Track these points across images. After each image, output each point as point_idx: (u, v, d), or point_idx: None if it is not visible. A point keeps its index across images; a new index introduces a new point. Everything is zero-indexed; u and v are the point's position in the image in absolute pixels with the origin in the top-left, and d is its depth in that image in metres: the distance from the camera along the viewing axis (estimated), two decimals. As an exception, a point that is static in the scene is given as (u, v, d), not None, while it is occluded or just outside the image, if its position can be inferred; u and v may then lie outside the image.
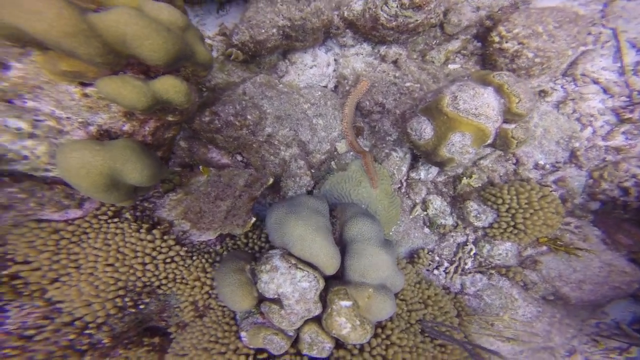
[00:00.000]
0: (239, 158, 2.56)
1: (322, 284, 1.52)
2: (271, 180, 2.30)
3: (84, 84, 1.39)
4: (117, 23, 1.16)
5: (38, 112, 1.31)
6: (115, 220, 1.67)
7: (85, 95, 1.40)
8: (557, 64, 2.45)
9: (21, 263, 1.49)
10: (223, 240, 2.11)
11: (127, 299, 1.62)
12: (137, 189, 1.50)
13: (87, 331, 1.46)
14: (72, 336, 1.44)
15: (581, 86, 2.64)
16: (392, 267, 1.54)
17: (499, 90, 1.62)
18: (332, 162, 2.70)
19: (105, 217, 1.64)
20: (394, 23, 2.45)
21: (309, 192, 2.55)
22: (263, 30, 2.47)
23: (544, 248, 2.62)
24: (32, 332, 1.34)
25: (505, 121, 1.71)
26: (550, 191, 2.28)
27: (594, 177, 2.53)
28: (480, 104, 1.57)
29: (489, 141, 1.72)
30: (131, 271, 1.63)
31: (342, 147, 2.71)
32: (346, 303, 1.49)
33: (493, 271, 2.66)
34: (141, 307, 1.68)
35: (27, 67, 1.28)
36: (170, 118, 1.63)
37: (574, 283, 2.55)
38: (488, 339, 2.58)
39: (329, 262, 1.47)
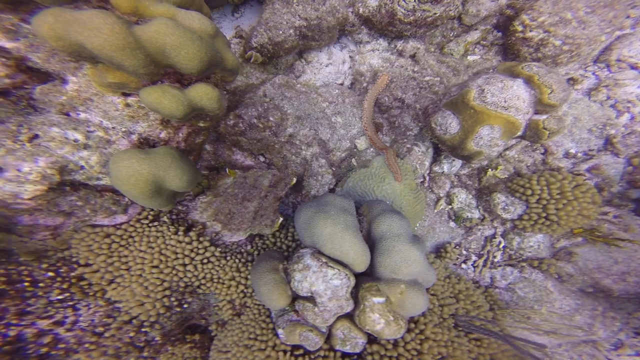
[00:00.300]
0: (262, 159, 2.64)
1: (353, 281, 1.57)
2: (294, 180, 2.37)
3: (125, 95, 1.50)
4: (157, 34, 1.24)
5: (90, 124, 1.43)
6: (155, 224, 1.79)
7: (128, 105, 1.50)
8: (588, 51, 2.37)
9: (84, 265, 1.67)
10: (253, 240, 2.20)
11: (172, 299, 1.76)
12: (176, 194, 1.59)
13: (143, 329, 1.59)
14: (131, 333, 1.59)
15: (616, 72, 2.55)
16: (424, 262, 1.56)
17: (529, 81, 1.60)
18: (353, 160, 2.74)
19: (146, 222, 1.77)
20: (411, 17, 2.44)
21: (331, 190, 2.60)
22: (281, 32, 2.52)
23: (580, 239, 2.54)
24: (100, 329, 1.50)
25: (537, 112, 1.68)
26: (584, 180, 2.21)
27: (634, 164, 2.44)
28: (510, 96, 1.56)
29: (520, 133, 1.70)
30: (174, 272, 1.76)
31: (361, 144, 2.73)
32: (379, 299, 1.53)
33: (524, 264, 2.61)
34: (185, 306, 1.81)
35: (80, 81, 1.39)
36: (201, 124, 1.72)
37: (616, 275, 2.45)
38: (523, 332, 2.54)
39: (359, 259, 1.51)
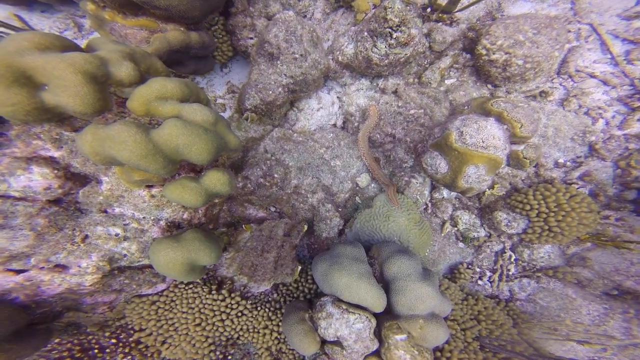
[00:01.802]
0: (273, 209, 2.92)
1: (374, 322, 1.78)
2: (306, 227, 2.64)
3: (149, 187, 1.81)
4: (170, 136, 1.51)
5: (124, 217, 1.72)
6: (191, 286, 2.11)
7: (152, 196, 1.80)
8: (548, 66, 2.66)
9: (139, 331, 2.04)
10: (277, 288, 2.43)
11: (218, 352, 2.06)
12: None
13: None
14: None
15: (579, 82, 2.83)
16: (437, 296, 1.77)
17: (500, 118, 1.88)
18: (357, 197, 3.00)
19: (183, 285, 2.11)
20: (386, 61, 2.79)
21: (341, 231, 2.84)
22: (271, 92, 2.87)
23: (589, 244, 2.68)
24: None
25: (514, 142, 1.94)
26: (578, 188, 2.40)
27: (621, 167, 2.63)
28: (486, 136, 1.83)
29: (504, 165, 1.95)
30: (215, 328, 2.06)
31: (362, 181, 3.01)
32: (401, 337, 1.73)
33: (540, 274, 2.75)
34: (229, 358, 2.10)
35: (112, 180, 1.69)
36: (216, 200, 2.02)
37: (636, 276, 2.53)
38: (554, 345, 2.55)
39: (376, 302, 1.73)
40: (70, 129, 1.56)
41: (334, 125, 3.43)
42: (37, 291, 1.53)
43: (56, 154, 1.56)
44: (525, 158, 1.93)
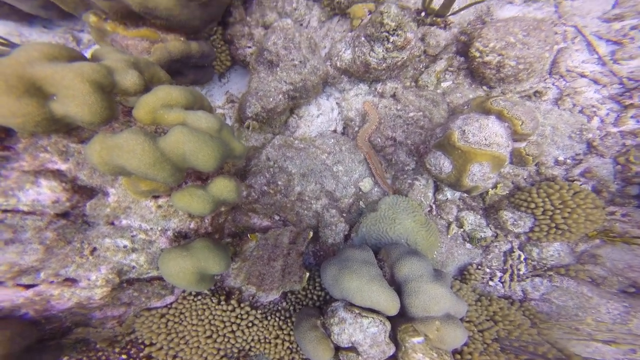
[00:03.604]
0: (277, 217, 2.95)
1: (388, 325, 1.81)
2: (311, 234, 2.68)
3: (156, 197, 1.84)
4: (177, 143, 1.52)
5: (132, 228, 1.75)
6: (199, 297, 2.13)
7: (159, 207, 1.83)
8: (540, 67, 2.81)
9: (149, 345, 2.04)
10: (285, 296, 2.45)
11: None
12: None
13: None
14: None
15: (570, 81, 2.98)
16: (451, 296, 1.81)
17: (501, 116, 1.97)
18: (360, 202, 3.06)
19: (191, 297, 2.12)
20: (384, 65, 2.91)
21: (346, 236, 2.89)
22: (271, 99, 2.96)
23: (597, 241, 2.72)
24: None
25: (515, 140, 2.04)
26: (580, 185, 2.49)
27: (620, 163, 2.73)
28: (489, 134, 1.92)
29: (507, 163, 2.03)
30: (226, 339, 2.06)
31: (365, 185, 3.08)
32: (418, 339, 1.76)
33: (551, 272, 2.79)
34: None
35: (118, 191, 1.72)
36: (222, 209, 2.06)
37: None
38: (577, 345, 2.49)
39: (390, 305, 1.76)
40: (77, 140, 1.60)
41: (334, 130, 3.51)
42: (47, 306, 1.54)
43: (63, 166, 1.58)
44: (528, 155, 2.02)
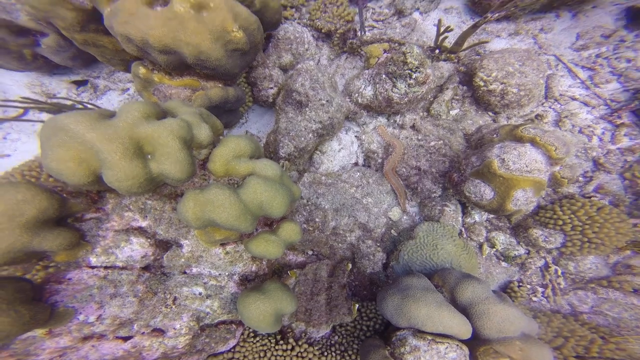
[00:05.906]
0: (310, 252, 3.10)
1: (466, 350, 1.91)
2: (350, 266, 2.85)
3: (223, 245, 1.98)
4: (255, 194, 1.68)
5: (202, 276, 1.87)
6: (257, 338, 2.23)
7: (227, 253, 1.97)
8: (538, 92, 3.25)
9: None
10: (335, 330, 2.54)
11: None
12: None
13: None
14: None
15: (564, 104, 3.44)
16: (522, 315, 1.93)
17: (534, 143, 2.27)
18: (392, 230, 3.27)
19: (251, 339, 2.22)
20: (405, 99, 3.26)
21: (385, 265, 3.06)
22: (302, 138, 3.20)
23: (628, 252, 2.93)
24: None
25: (550, 164, 2.32)
26: (599, 200, 2.80)
27: (627, 178, 3.06)
28: (529, 161, 2.19)
29: (546, 187, 2.30)
30: None
31: (394, 215, 3.30)
32: (497, 362, 1.89)
33: (593, 285, 2.95)
34: None
35: (191, 243, 1.86)
36: (282, 248, 2.21)
37: None
38: None
39: (463, 329, 1.89)
40: (158, 197, 1.76)
41: (355, 163, 3.78)
42: (139, 357, 1.60)
43: (144, 223, 1.72)
44: (563, 178, 2.31)
